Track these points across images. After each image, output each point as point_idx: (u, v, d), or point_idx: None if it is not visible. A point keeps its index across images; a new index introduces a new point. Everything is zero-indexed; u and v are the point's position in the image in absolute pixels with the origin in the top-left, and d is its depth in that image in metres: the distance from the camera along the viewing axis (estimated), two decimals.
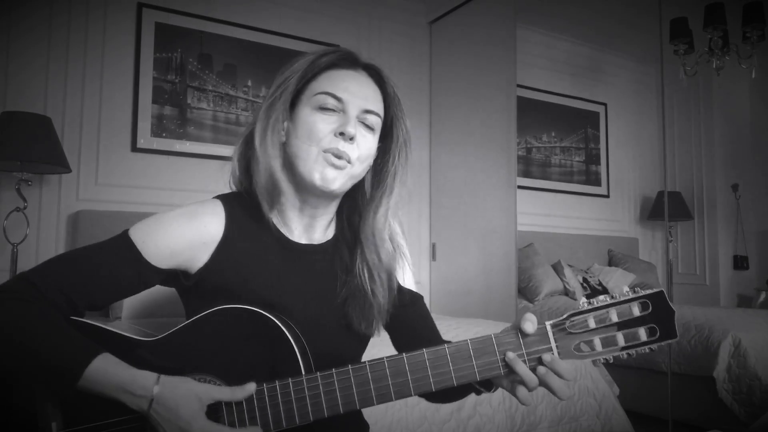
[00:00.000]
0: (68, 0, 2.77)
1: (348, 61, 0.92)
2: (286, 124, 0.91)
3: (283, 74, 0.91)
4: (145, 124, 2.90)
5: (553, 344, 0.80)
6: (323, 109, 0.88)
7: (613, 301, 0.80)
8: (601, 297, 0.81)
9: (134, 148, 2.88)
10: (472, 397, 0.95)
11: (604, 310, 0.80)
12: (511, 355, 0.80)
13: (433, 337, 1.02)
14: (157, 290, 1.81)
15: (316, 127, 0.87)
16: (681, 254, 3.14)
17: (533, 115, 3.42)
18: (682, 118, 3.17)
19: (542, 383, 0.80)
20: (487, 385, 0.90)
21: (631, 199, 3.49)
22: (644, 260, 3.39)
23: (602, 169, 3.53)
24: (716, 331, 2.47)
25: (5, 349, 0.78)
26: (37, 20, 2.70)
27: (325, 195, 0.90)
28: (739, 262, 2.94)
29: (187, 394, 0.77)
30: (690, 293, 3.06)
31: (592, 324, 0.80)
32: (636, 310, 0.80)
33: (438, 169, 3.65)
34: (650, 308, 0.80)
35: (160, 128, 2.94)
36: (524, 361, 0.80)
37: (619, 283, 3.26)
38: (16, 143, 2.28)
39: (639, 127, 3.46)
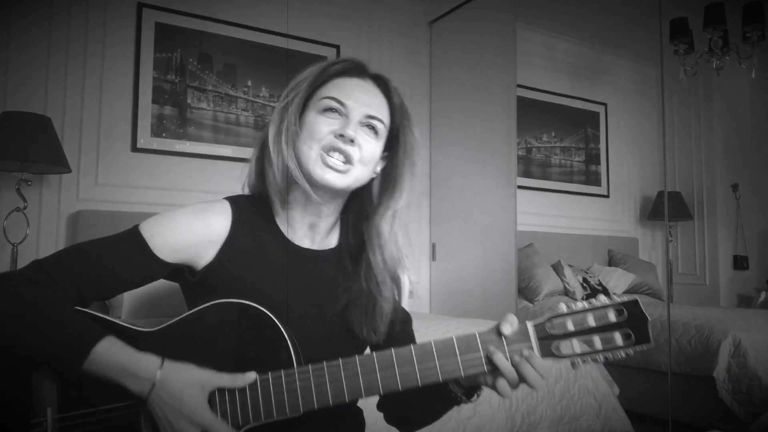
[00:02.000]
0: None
1: (356, 70, 0.96)
2: (296, 128, 0.94)
3: (295, 80, 0.95)
4: (145, 124, 2.90)
5: (533, 343, 0.85)
6: (326, 110, 0.92)
7: (590, 306, 0.85)
8: (580, 303, 0.85)
9: (134, 148, 2.88)
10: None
11: (581, 315, 0.85)
12: (492, 348, 0.84)
13: None
14: (157, 288, 1.82)
15: (318, 127, 0.91)
16: (681, 254, 3.14)
17: (533, 115, 3.42)
18: (682, 118, 3.17)
19: (519, 374, 0.84)
20: (469, 393, 0.93)
21: (631, 199, 3.49)
22: (644, 260, 3.39)
23: (602, 169, 3.53)
24: (716, 331, 2.47)
25: (14, 327, 0.80)
26: (36, 20, 2.70)
27: (328, 192, 0.93)
28: (739, 262, 2.95)
29: (190, 381, 0.79)
30: (690, 293, 3.06)
31: (570, 327, 0.84)
32: (612, 316, 0.84)
33: (438, 169, 3.65)
34: (625, 315, 0.84)
35: (160, 128, 2.94)
36: (506, 358, 0.84)
37: (619, 283, 3.26)
38: (16, 143, 2.28)
39: (639, 127, 3.46)
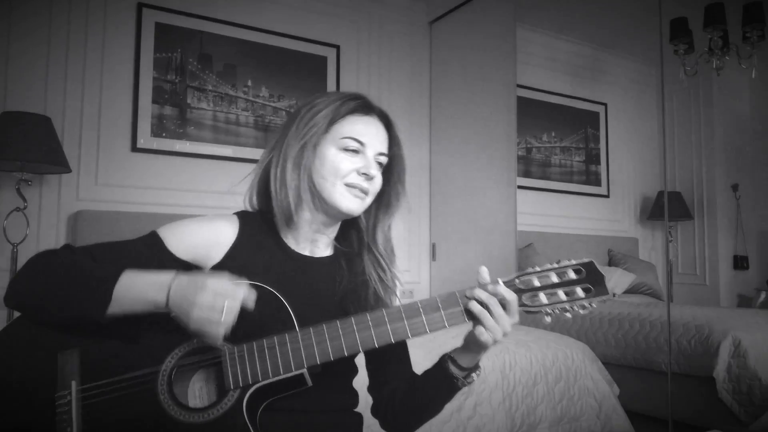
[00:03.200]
0: (68, 0, 2.77)
1: (366, 107, 1.07)
2: (314, 161, 1.05)
3: (309, 114, 1.05)
4: (145, 124, 2.91)
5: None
6: (347, 150, 1.03)
7: (551, 267, 0.96)
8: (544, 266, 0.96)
9: (134, 148, 2.88)
10: (472, 397, 0.98)
11: (545, 272, 0.95)
12: (466, 298, 0.93)
13: (404, 370, 1.12)
14: None
15: (343, 164, 1.02)
16: (681, 254, 3.14)
17: (533, 115, 3.42)
18: (682, 118, 3.16)
19: (492, 315, 0.92)
20: (467, 376, 1.00)
21: (631, 199, 3.49)
22: (644, 260, 3.39)
23: (602, 169, 3.53)
24: (716, 331, 2.47)
25: (52, 280, 0.91)
26: (36, 20, 2.70)
27: (344, 218, 1.07)
28: (739, 262, 2.94)
29: (201, 276, 0.88)
30: (690, 293, 3.06)
31: (536, 283, 0.94)
32: (572, 274, 0.95)
33: (438, 169, 3.65)
34: (584, 273, 0.95)
35: (160, 128, 2.94)
36: (478, 302, 0.93)
37: (619, 283, 3.26)
38: (16, 143, 2.28)
39: (639, 127, 3.46)
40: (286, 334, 0.91)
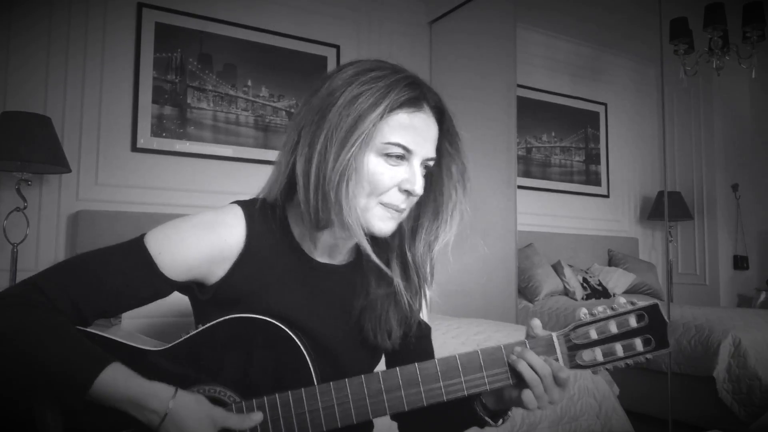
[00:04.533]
0: (68, 0, 2.77)
1: (418, 100, 0.87)
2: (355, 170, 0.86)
3: (356, 107, 0.82)
4: (145, 124, 2.90)
5: (559, 354, 0.83)
6: (389, 156, 0.84)
7: (612, 313, 0.84)
8: (600, 308, 0.85)
9: (134, 148, 2.88)
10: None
11: (604, 323, 0.84)
12: (514, 357, 0.82)
13: None
14: None
15: (382, 178, 0.83)
16: (681, 254, 3.13)
17: (533, 115, 3.42)
18: (682, 118, 3.16)
19: (544, 385, 0.81)
20: (494, 416, 0.90)
21: (631, 199, 3.49)
22: (644, 260, 3.39)
23: (602, 169, 3.53)
24: (716, 331, 2.47)
25: (10, 355, 0.75)
26: (36, 20, 2.70)
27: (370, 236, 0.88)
28: (739, 262, 2.94)
29: (202, 416, 0.76)
30: (690, 293, 3.06)
31: (593, 335, 0.84)
32: (633, 322, 0.84)
33: None
34: (646, 320, 0.84)
35: (160, 128, 2.94)
36: (530, 367, 0.81)
37: (619, 283, 3.26)
38: (16, 143, 2.28)
39: (639, 127, 3.46)
40: (303, 392, 0.79)
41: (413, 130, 0.85)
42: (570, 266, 3.27)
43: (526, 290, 3.15)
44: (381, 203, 0.85)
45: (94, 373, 0.73)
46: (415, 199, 0.88)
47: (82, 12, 2.80)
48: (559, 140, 3.50)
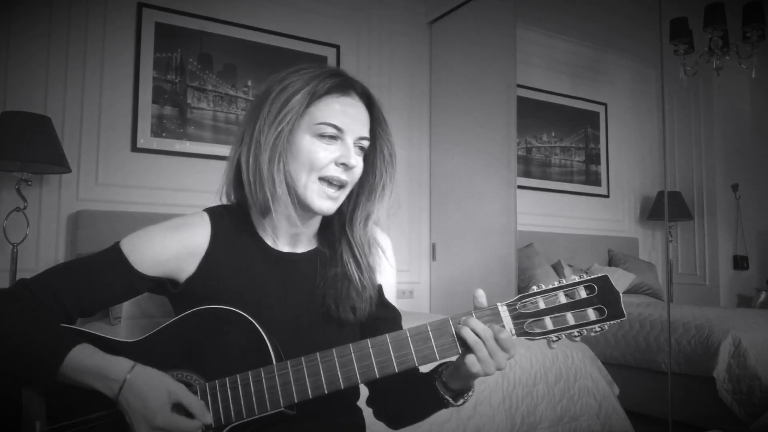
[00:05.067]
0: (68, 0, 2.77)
1: (344, 87, 0.95)
2: (288, 151, 0.95)
3: (283, 96, 0.92)
4: (145, 124, 2.90)
5: (505, 322, 0.85)
6: (323, 136, 0.92)
7: (560, 285, 0.85)
8: (551, 284, 0.86)
9: (134, 148, 2.88)
10: (472, 397, 0.97)
11: (552, 293, 0.85)
12: (459, 325, 0.85)
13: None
14: None
15: (318, 155, 0.92)
16: (681, 254, 3.14)
17: (533, 115, 3.42)
18: (682, 118, 3.17)
19: (488, 349, 0.84)
20: (456, 397, 0.93)
21: (631, 199, 3.49)
22: (644, 260, 3.39)
23: (602, 169, 3.53)
24: (716, 331, 2.47)
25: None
26: (36, 19, 2.70)
27: (314, 215, 0.97)
28: (739, 262, 2.94)
29: (158, 385, 0.80)
30: (690, 293, 3.06)
31: (542, 305, 0.85)
32: (583, 293, 0.84)
33: (438, 169, 3.65)
34: (596, 291, 0.84)
35: (160, 128, 2.94)
36: (473, 332, 0.84)
37: (619, 283, 3.26)
38: (16, 143, 2.28)
39: (639, 127, 3.46)
40: (262, 371, 0.84)
41: (342, 112, 0.93)
42: (570, 266, 3.28)
43: (526, 290, 3.14)
44: (320, 178, 0.92)
45: (64, 350, 0.80)
46: (354, 176, 0.95)
47: (82, 12, 2.80)
48: (559, 140, 3.51)
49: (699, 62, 2.82)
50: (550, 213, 3.43)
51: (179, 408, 0.81)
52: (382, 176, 1.00)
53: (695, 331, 2.53)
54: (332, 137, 0.93)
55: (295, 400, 0.84)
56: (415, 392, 0.98)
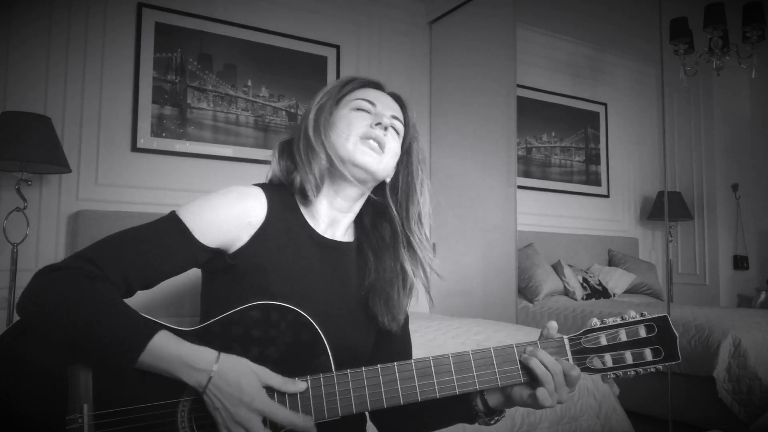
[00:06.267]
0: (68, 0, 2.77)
1: (377, 85, 1.07)
2: (331, 121, 1.02)
3: (324, 90, 1.04)
4: (145, 124, 2.90)
5: (569, 355, 0.87)
6: (359, 109, 1.01)
7: (622, 322, 0.88)
8: (611, 319, 0.89)
9: (134, 148, 2.88)
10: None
11: (614, 330, 0.87)
12: (526, 355, 0.86)
13: (406, 355, 1.09)
14: (166, 290, 1.82)
15: (355, 120, 0.99)
16: (681, 254, 3.14)
17: (533, 115, 3.42)
18: (682, 118, 3.17)
19: (555, 382, 0.85)
20: (489, 413, 0.94)
21: (631, 199, 3.49)
22: (644, 260, 3.39)
23: (602, 169, 3.53)
24: (716, 331, 2.47)
25: (69, 322, 0.80)
26: (36, 19, 2.70)
27: (362, 179, 0.99)
28: (739, 262, 2.94)
29: (247, 371, 0.81)
30: (690, 293, 3.06)
31: (603, 341, 0.87)
32: (642, 332, 0.87)
33: (438, 169, 3.65)
34: (655, 331, 0.87)
35: (160, 128, 2.94)
36: (543, 365, 0.86)
37: (619, 283, 3.26)
38: (16, 143, 2.28)
39: (639, 127, 3.46)
40: (334, 375, 0.85)
41: (374, 94, 1.04)
42: (570, 266, 3.28)
43: (526, 290, 3.15)
44: (362, 138, 0.98)
45: (148, 336, 0.79)
46: (390, 143, 1.00)
47: (82, 11, 2.80)
48: (559, 140, 3.51)
49: (699, 62, 2.82)
50: (550, 213, 3.43)
51: (269, 390, 0.82)
52: (419, 174, 1.06)
53: (695, 331, 2.53)
54: (366, 111, 1.01)
55: (354, 411, 0.84)
56: (444, 407, 0.97)
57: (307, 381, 0.84)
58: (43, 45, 2.71)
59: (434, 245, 3.59)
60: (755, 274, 2.91)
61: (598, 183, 3.51)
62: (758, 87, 2.86)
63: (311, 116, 1.01)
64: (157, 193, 2.90)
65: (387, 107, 1.03)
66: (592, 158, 3.54)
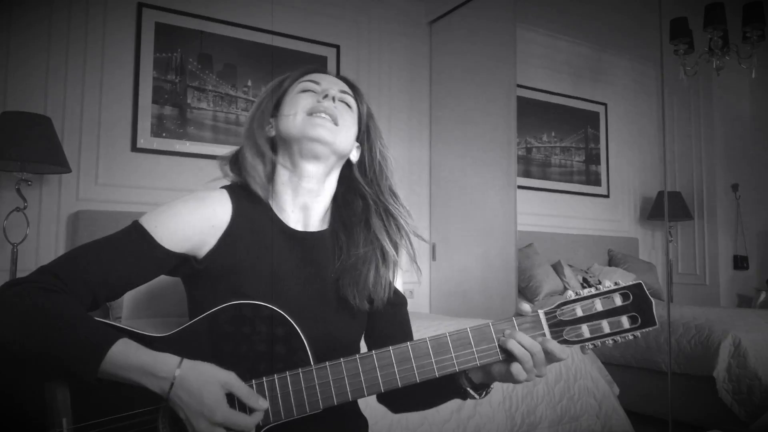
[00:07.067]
0: None
1: (323, 70, 1.07)
2: (272, 120, 1.02)
3: (264, 91, 1.05)
4: (145, 124, 2.90)
5: (546, 330, 0.88)
6: (305, 91, 1.00)
7: (597, 291, 0.89)
8: (586, 290, 0.89)
9: (134, 148, 2.88)
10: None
11: (589, 300, 0.88)
12: (503, 338, 0.87)
13: (404, 338, 1.06)
14: (157, 287, 1.82)
15: (301, 100, 0.99)
16: (681, 254, 3.14)
17: (533, 115, 3.42)
18: (682, 118, 3.17)
19: (534, 360, 0.86)
20: (477, 389, 0.94)
21: (631, 199, 3.49)
22: (644, 260, 3.39)
23: (602, 169, 3.53)
24: (716, 331, 2.47)
25: (30, 333, 0.79)
26: (36, 19, 2.70)
27: (320, 153, 0.97)
28: (739, 262, 2.95)
29: (210, 379, 0.79)
30: (690, 293, 3.06)
31: (579, 313, 0.88)
32: (618, 300, 0.88)
33: (438, 168, 3.65)
34: (631, 298, 0.88)
35: (160, 128, 2.94)
36: (519, 343, 0.86)
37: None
38: (16, 143, 2.28)
39: (639, 127, 3.46)
40: (300, 371, 0.83)
41: (317, 75, 1.04)
42: (570, 266, 3.28)
43: (526, 290, 3.15)
44: (309, 113, 0.96)
45: (105, 346, 0.77)
46: (342, 116, 0.98)
47: (82, 12, 2.80)
48: (559, 140, 3.51)
49: (699, 62, 2.82)
50: (550, 213, 3.43)
51: (231, 398, 0.80)
52: (382, 150, 1.06)
53: (695, 331, 2.53)
54: (313, 91, 1.00)
55: (335, 402, 0.83)
56: (435, 387, 0.96)
57: (263, 387, 0.83)
58: (44, 46, 2.71)
59: (434, 246, 3.59)
60: (755, 274, 2.91)
61: (598, 183, 3.51)
62: (758, 87, 2.87)
63: (256, 114, 1.02)
64: (157, 193, 2.90)
65: (333, 83, 1.02)
66: (592, 158, 3.54)
